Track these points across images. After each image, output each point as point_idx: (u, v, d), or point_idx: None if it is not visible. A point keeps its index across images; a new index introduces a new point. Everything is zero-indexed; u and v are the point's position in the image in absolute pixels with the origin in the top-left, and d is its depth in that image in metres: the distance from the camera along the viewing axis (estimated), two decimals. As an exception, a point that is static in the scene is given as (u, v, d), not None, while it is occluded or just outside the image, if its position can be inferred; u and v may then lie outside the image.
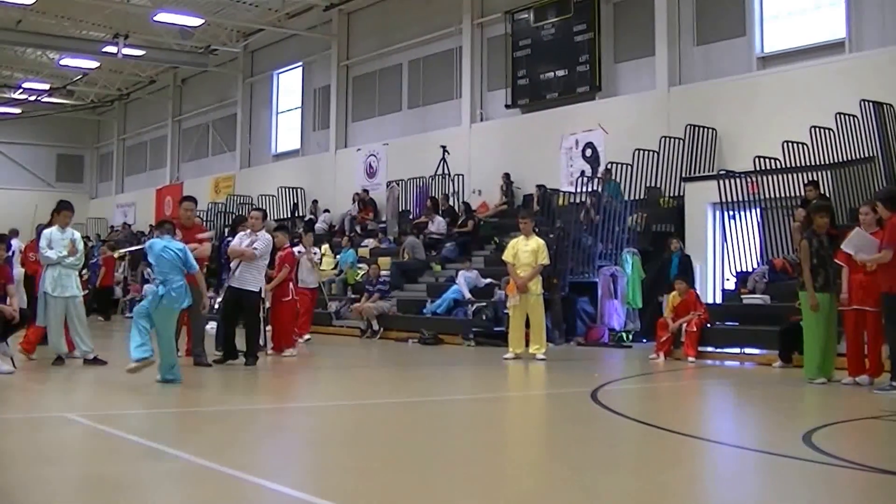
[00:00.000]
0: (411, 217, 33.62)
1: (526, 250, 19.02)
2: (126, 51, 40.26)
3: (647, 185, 25.63)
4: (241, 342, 16.83)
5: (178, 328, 15.01)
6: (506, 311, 20.93)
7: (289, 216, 39.04)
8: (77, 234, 16.55)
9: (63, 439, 9.08)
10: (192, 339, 16.51)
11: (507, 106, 32.14)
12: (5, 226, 27.47)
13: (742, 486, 7.67)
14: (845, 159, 21.55)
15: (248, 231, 17.14)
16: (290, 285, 19.78)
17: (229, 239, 18.16)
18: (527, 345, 19.16)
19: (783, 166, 21.87)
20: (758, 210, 22.21)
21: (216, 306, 20.80)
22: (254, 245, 16.68)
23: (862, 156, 21.42)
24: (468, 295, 24.98)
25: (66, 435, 9.27)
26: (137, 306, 13.88)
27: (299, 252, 22.31)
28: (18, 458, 8.18)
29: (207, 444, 8.85)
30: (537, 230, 20.50)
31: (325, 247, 31.46)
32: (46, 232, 16.26)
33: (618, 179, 25.56)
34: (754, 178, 22.18)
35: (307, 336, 22.84)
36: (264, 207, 31.44)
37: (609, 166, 26.07)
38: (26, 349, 16.28)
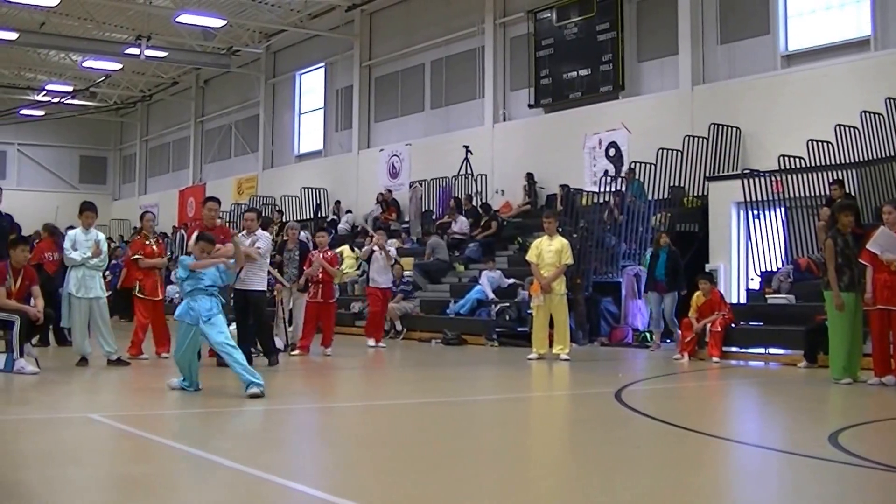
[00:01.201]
0: (434, 217, 33.61)
1: (550, 250, 18.97)
2: (148, 52, 40.38)
3: (671, 184, 25.53)
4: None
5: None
6: (529, 312, 20.93)
7: (312, 217, 39.04)
8: (101, 236, 16.60)
9: (87, 439, 9.08)
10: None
11: (530, 106, 32.10)
12: (30, 227, 27.58)
13: (767, 487, 7.61)
14: (870, 158, 21.45)
15: (245, 232, 17.13)
16: (332, 286, 20.04)
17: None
18: (550, 345, 19.14)
19: (808, 165, 21.79)
20: (782, 209, 22.13)
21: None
22: (256, 245, 16.69)
23: (887, 154, 21.29)
24: (491, 295, 24.95)
25: (91, 435, 9.26)
26: (224, 336, 12.61)
27: (373, 250, 22.43)
28: (43, 457, 8.18)
29: (231, 445, 8.84)
30: (561, 230, 20.47)
31: (346, 247, 31.50)
32: (71, 233, 16.33)
33: (641, 179, 25.49)
34: (779, 178, 22.10)
35: (382, 343, 22.98)
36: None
37: (632, 166, 26.01)
38: None
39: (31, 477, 7.37)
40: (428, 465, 8.09)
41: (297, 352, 19.17)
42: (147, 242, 18.02)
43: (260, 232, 17.12)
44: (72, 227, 17.37)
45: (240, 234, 17.21)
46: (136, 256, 17.76)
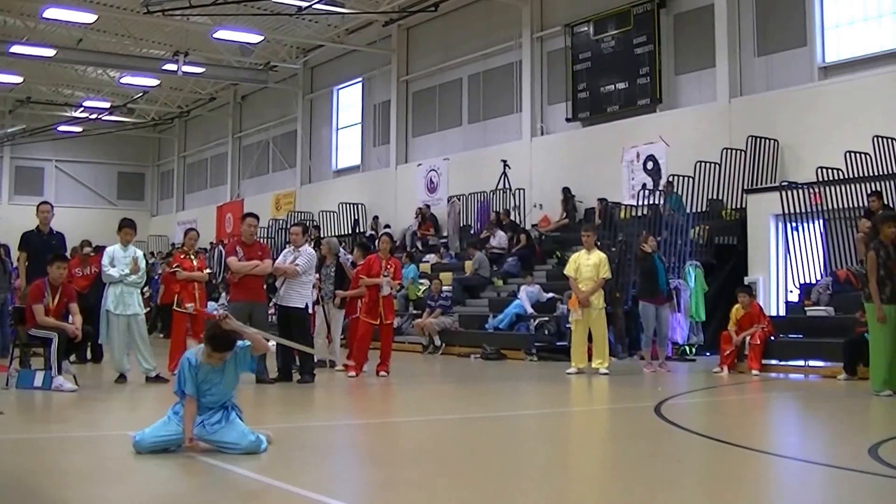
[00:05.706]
0: (472, 232, 33.59)
1: (588, 264, 18.97)
2: (186, 68, 40.48)
3: (710, 197, 25.45)
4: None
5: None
6: (568, 326, 20.90)
7: (350, 232, 39.06)
8: (139, 252, 16.65)
9: (128, 458, 9.09)
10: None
11: (567, 119, 32.06)
12: (68, 245, 27.64)
13: (808, 501, 7.59)
14: (909, 169, 21.38)
15: (292, 248, 17.17)
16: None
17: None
18: (589, 359, 19.11)
19: (846, 177, 21.70)
20: (821, 221, 22.04)
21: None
22: (296, 261, 16.71)
23: (927, 165, 21.23)
24: (530, 310, 24.94)
25: (129, 453, 9.28)
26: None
27: None
28: (85, 476, 8.23)
29: (270, 462, 8.84)
30: (599, 244, 20.42)
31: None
32: (109, 250, 16.32)
33: (680, 192, 25.43)
34: (817, 189, 22.00)
35: None
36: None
37: (671, 179, 25.95)
38: None
39: (74, 496, 7.41)
40: (469, 481, 8.09)
41: (340, 369, 19.04)
42: (184, 257, 18.01)
43: (304, 248, 17.08)
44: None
45: (287, 251, 17.34)
46: (174, 269, 17.80)
